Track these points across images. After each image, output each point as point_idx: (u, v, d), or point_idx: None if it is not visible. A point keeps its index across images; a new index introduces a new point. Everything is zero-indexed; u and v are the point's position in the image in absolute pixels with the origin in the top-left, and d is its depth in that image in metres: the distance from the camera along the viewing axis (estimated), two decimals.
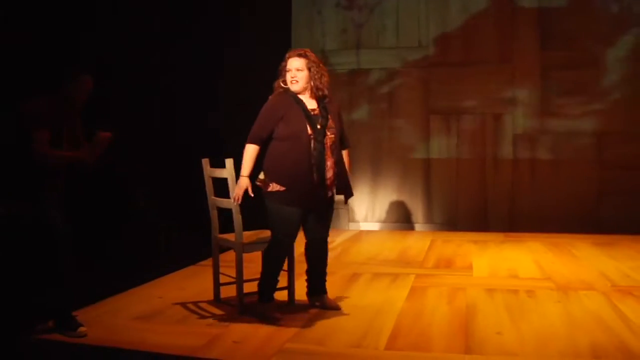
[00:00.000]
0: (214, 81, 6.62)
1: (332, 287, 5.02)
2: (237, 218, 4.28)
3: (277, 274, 4.21)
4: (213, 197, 4.59)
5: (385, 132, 8.53)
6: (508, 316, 4.25)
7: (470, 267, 5.87)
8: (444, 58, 8.32)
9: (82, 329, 3.74)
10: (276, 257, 4.16)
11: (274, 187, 4.05)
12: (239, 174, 4.12)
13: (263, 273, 4.20)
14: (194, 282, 5.23)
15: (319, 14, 8.62)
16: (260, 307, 4.18)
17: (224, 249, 4.69)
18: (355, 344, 3.71)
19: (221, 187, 4.44)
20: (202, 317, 4.23)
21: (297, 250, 4.48)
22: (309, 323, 4.10)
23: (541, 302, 4.61)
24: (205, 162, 4.61)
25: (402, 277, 5.44)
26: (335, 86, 8.45)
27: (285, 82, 4.17)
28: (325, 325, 4.06)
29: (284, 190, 4.02)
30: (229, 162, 4.26)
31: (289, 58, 4.18)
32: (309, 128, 4.06)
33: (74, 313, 3.85)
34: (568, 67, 7.90)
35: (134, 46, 5.52)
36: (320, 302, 4.44)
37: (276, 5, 8.07)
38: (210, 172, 4.57)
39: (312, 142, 4.04)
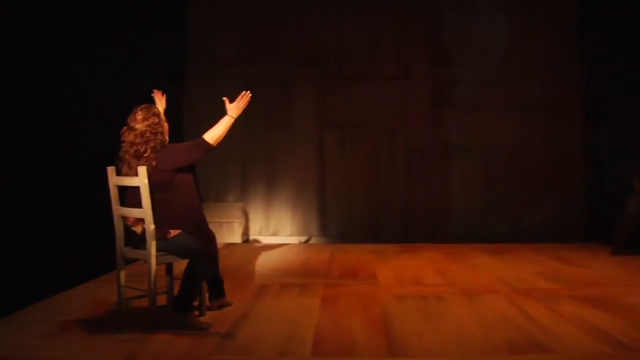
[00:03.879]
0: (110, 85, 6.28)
1: (243, 298, 4.99)
2: (149, 228, 4.10)
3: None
4: (119, 207, 4.38)
5: (280, 146, 8.50)
6: (423, 320, 4.34)
7: (375, 277, 5.94)
8: (340, 73, 8.44)
9: None
10: (204, 271, 4.19)
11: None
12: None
13: (188, 285, 4.10)
14: (96, 297, 4.94)
15: (217, 24, 8.50)
16: (180, 317, 4.03)
17: (127, 261, 4.48)
18: (281, 351, 3.64)
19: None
20: (115, 332, 3.99)
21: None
22: (229, 332, 4.00)
23: (451, 306, 4.74)
24: (111, 169, 4.38)
25: (311, 287, 5.41)
26: (232, 99, 8.42)
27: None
28: (247, 334, 3.97)
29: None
30: (142, 170, 4.08)
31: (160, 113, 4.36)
32: None
33: None
34: (459, 83, 8.29)
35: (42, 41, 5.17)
36: (222, 303, 4.65)
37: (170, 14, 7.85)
38: (116, 180, 4.35)
39: None
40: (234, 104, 4.33)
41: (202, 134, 4.32)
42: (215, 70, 8.38)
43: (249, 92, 4.37)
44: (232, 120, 4.31)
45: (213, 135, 4.25)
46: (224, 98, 4.38)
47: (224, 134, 4.29)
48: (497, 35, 8.30)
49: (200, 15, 8.50)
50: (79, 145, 5.58)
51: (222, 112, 4.38)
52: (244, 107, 4.36)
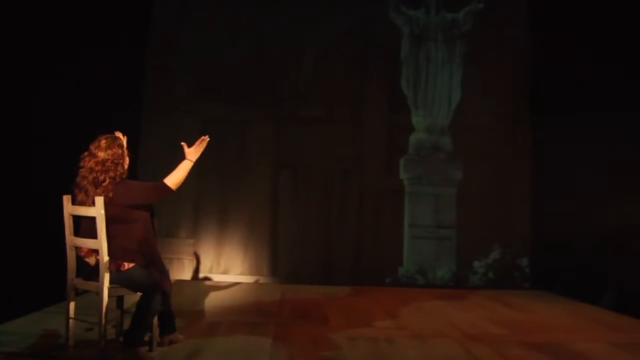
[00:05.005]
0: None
1: (194, 335, 4.92)
2: (103, 259, 4.04)
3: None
4: (72, 237, 4.31)
5: (234, 184, 8.48)
6: None
7: (326, 318, 5.93)
8: (296, 114, 8.52)
9: None
10: (157, 305, 4.13)
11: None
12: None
13: (140, 319, 4.05)
14: (43, 329, 4.79)
15: (176, 60, 8.51)
16: (130, 351, 3.96)
17: (77, 293, 4.39)
18: None
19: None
20: None
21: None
22: None
23: (402, 349, 4.76)
24: (66, 198, 4.31)
25: (262, 326, 5.37)
26: (187, 135, 8.39)
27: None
28: None
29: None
30: (99, 200, 4.03)
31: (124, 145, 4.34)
32: None
33: None
34: (413, 130, 8.51)
35: None
36: (173, 339, 4.53)
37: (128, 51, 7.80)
38: (72, 209, 4.28)
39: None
40: (193, 148, 4.33)
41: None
42: (172, 106, 8.38)
43: (207, 136, 4.38)
44: (192, 165, 4.31)
45: (174, 180, 4.23)
46: (182, 143, 4.37)
47: (184, 178, 4.28)
48: (451, 85, 8.54)
49: (158, 51, 8.47)
50: (31, 172, 5.49)
51: (177, 147, 4.40)
52: (202, 150, 4.36)
